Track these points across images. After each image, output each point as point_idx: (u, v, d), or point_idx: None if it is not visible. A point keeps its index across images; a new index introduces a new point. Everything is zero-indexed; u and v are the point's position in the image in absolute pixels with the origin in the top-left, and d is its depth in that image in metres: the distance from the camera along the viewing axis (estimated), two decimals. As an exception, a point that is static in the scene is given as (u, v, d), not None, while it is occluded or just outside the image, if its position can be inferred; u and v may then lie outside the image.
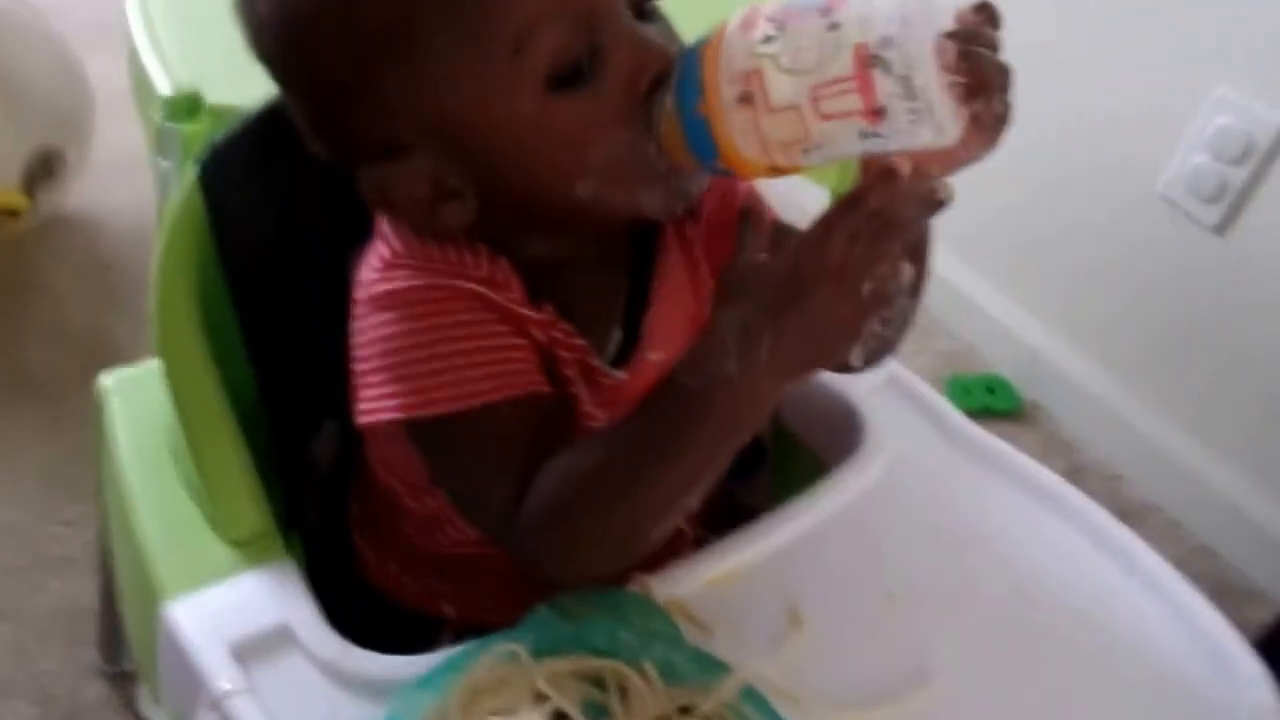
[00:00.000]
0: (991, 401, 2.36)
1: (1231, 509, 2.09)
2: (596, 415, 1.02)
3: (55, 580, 1.88)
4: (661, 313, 1.05)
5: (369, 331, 0.95)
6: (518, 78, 0.86)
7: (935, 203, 0.80)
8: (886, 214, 0.79)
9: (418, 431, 0.96)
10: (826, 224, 0.81)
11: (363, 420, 0.95)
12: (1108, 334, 2.29)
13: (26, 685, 1.75)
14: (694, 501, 0.88)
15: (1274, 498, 2.07)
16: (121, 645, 1.67)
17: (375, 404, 0.94)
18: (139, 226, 2.52)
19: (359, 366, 0.95)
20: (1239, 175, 2.00)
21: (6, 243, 2.47)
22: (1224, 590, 1.94)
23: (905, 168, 0.80)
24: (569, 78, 0.87)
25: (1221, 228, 2.04)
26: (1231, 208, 2.03)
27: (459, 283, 0.94)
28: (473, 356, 0.92)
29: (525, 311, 0.96)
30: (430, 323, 0.92)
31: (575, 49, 0.86)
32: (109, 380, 1.30)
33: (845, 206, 0.81)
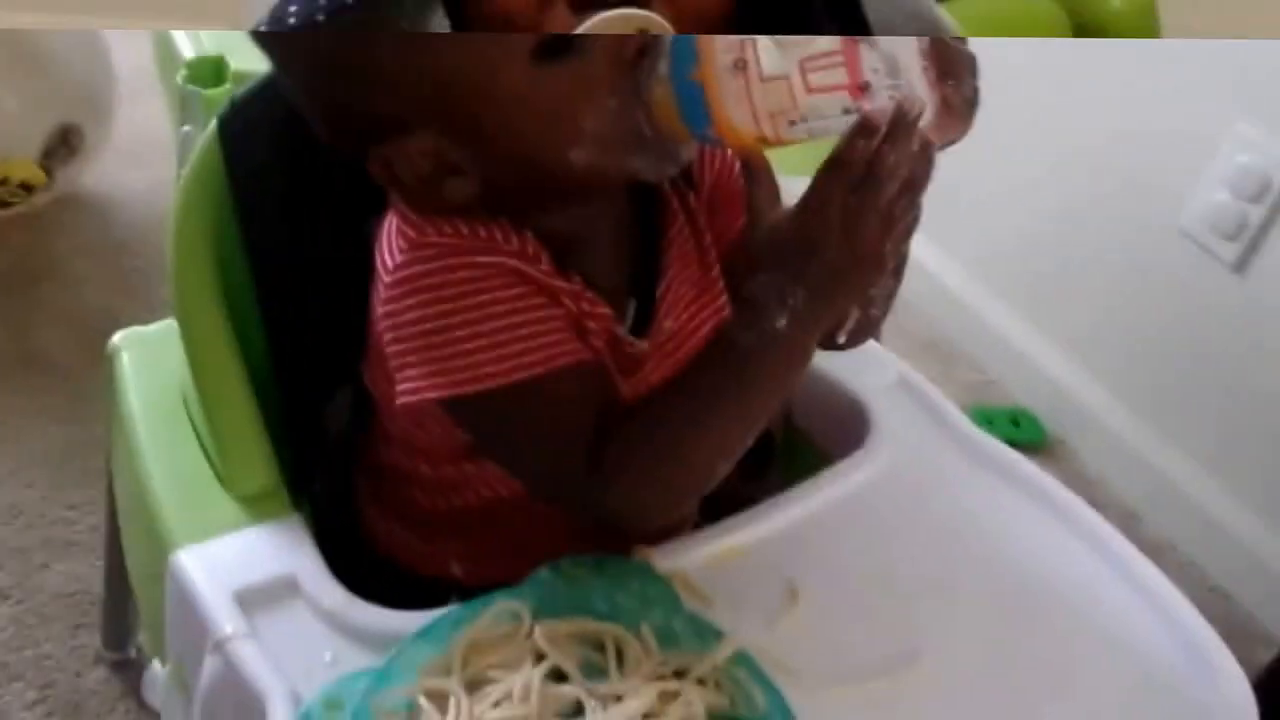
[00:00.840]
0: (1015, 434, 2.32)
1: (1247, 553, 2.06)
2: (619, 384, 1.04)
3: (60, 563, 1.89)
4: (673, 282, 1.06)
5: (406, 313, 0.95)
6: (504, 48, 0.88)
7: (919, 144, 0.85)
8: (871, 165, 0.85)
9: (465, 409, 0.97)
10: (820, 187, 0.88)
11: (406, 400, 0.95)
12: (1128, 369, 2.27)
13: (28, 667, 1.75)
14: (750, 442, 0.96)
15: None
16: (125, 632, 1.69)
17: (419, 383, 0.95)
18: (154, 210, 2.52)
19: (395, 348, 0.96)
20: (1258, 213, 1.99)
21: (22, 221, 2.48)
22: (1236, 633, 1.91)
23: (881, 121, 0.84)
24: (555, 48, 0.88)
25: (1240, 265, 2.03)
26: (1249, 246, 2.01)
27: (496, 259, 0.95)
28: (518, 331, 0.93)
29: (558, 283, 0.97)
30: (472, 301, 0.93)
31: None
32: (120, 338, 1.31)
33: (832, 166, 0.86)
